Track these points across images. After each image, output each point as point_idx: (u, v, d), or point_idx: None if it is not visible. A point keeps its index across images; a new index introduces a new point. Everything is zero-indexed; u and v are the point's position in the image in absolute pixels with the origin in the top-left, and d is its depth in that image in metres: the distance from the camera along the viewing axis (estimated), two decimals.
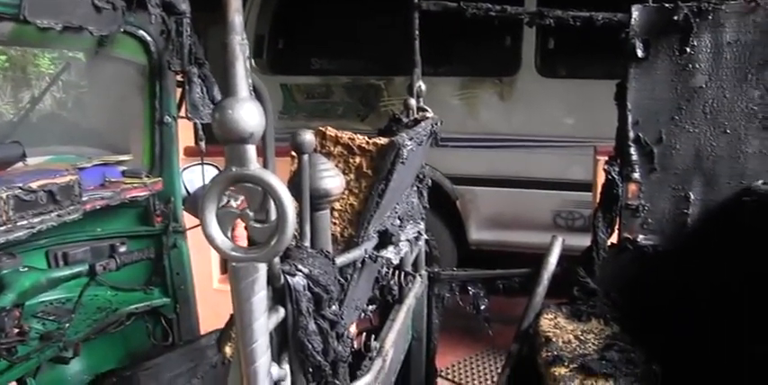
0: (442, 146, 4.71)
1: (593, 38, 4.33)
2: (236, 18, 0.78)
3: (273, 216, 0.84)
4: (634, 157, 2.24)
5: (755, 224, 2.02)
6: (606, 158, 3.60)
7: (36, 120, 3.69)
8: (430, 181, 2.29)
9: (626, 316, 2.21)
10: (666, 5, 2.06)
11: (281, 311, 1.01)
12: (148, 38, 2.31)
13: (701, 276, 2.10)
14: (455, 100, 4.49)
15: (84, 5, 1.96)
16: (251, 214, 0.84)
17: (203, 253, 3.22)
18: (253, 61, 4.78)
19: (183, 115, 2.45)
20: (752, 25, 2.05)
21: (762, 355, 1.70)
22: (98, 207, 2.27)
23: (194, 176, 2.78)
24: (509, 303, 2.66)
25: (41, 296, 2.28)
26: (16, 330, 2.02)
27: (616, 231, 2.36)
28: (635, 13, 2.09)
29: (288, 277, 1.01)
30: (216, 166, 2.75)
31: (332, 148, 1.39)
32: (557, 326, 2.19)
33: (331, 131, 1.41)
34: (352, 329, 1.56)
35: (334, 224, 1.36)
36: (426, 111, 2.31)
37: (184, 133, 2.74)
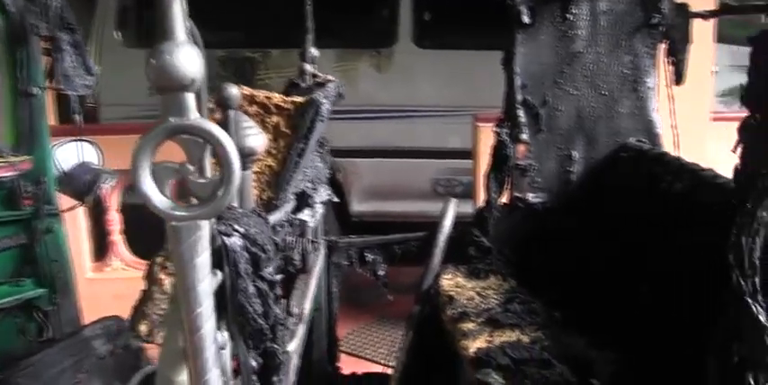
0: None
1: (468, 10, 4.51)
2: None
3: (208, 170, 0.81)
4: (522, 119, 2.33)
5: (631, 176, 2.19)
6: (486, 125, 3.76)
7: None
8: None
9: (521, 270, 2.32)
10: None
11: (219, 274, 0.97)
12: None
13: (586, 227, 2.25)
14: (333, 72, 4.45)
15: None
16: (190, 168, 0.79)
17: (74, 240, 3.01)
18: (119, 34, 4.49)
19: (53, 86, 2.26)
20: None
21: (646, 293, 1.85)
22: None
23: (68, 155, 2.58)
24: (402, 273, 2.71)
25: None
26: None
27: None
28: None
29: (224, 238, 0.97)
30: (94, 143, 2.57)
31: (247, 108, 1.34)
32: (457, 286, 2.26)
33: (246, 90, 1.36)
34: None
35: (253, 186, 1.32)
36: (319, 76, 2.28)
37: None
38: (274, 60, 4.42)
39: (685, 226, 1.71)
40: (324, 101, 1.34)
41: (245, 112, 1.34)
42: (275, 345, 1.02)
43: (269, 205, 1.33)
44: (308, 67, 2.16)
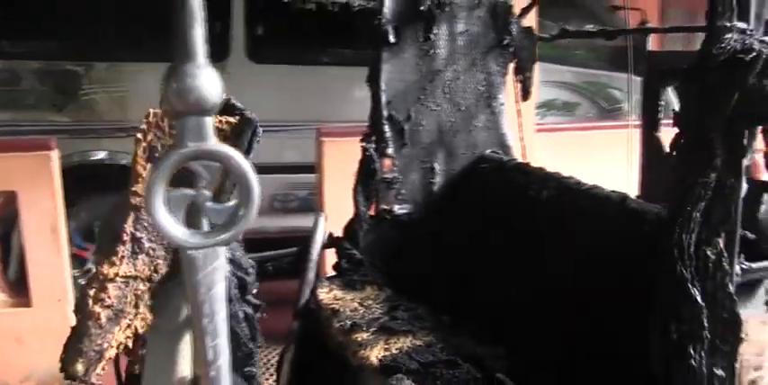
0: None
1: (302, 25, 4.56)
2: None
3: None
4: (387, 134, 2.44)
5: (494, 185, 2.38)
6: (329, 139, 3.84)
7: None
8: None
9: (395, 279, 2.41)
10: None
11: None
12: None
13: (453, 234, 2.40)
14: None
15: None
16: (207, 194, 0.77)
17: None
18: None
19: None
20: (477, 18, 2.38)
21: (518, 293, 2.03)
22: None
23: None
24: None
25: None
26: None
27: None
28: (387, 1, 2.27)
29: None
30: None
31: None
32: (336, 298, 2.29)
33: None
34: None
35: None
36: None
37: None
38: (100, 74, 4.13)
39: (557, 228, 1.91)
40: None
41: None
42: (254, 369, 1.00)
43: None
44: None
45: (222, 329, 0.79)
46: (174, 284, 0.91)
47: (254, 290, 0.97)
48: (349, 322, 2.09)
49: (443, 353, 1.81)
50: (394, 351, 1.88)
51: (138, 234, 1.20)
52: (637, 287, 1.57)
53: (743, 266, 1.02)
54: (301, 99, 4.36)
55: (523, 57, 2.46)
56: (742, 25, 0.90)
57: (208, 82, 0.70)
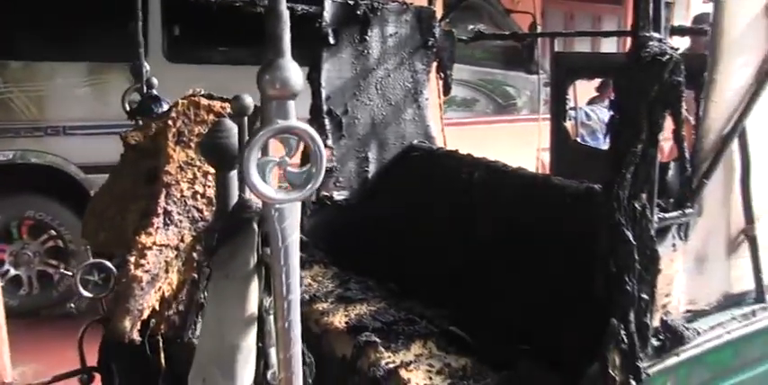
0: (70, 134, 4.47)
1: (218, 25, 4.65)
2: None
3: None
4: (327, 127, 2.67)
5: (421, 170, 2.68)
6: None
7: None
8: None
9: (337, 258, 2.65)
10: (350, 2, 2.53)
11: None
12: None
13: (387, 215, 2.67)
14: (83, 86, 4.28)
15: None
16: (287, 160, 0.98)
17: None
18: None
19: None
20: (404, 22, 2.67)
21: (455, 261, 2.33)
22: None
23: None
24: None
25: None
26: None
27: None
28: (327, 6, 2.50)
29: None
30: None
31: (206, 117, 1.45)
32: None
33: (204, 101, 1.48)
34: None
35: (208, 187, 1.45)
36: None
37: None
38: (14, 73, 4.06)
39: (489, 204, 2.22)
40: None
41: (204, 121, 1.45)
42: None
43: None
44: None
45: (296, 269, 1.01)
46: (242, 239, 1.11)
47: None
48: (307, 296, 2.31)
49: (400, 313, 2.08)
50: (354, 316, 2.12)
51: (169, 208, 1.39)
52: (559, 246, 1.91)
53: (658, 216, 1.35)
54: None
55: (445, 56, 2.77)
56: (658, 35, 1.22)
57: (294, 74, 0.91)
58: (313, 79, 2.63)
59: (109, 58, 4.28)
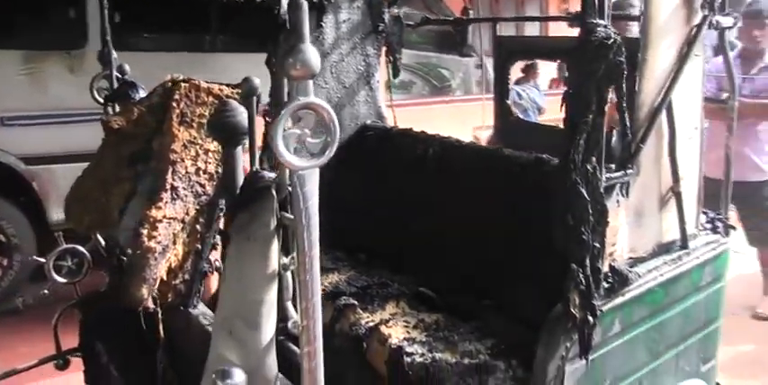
0: (8, 125, 4.42)
1: (158, 12, 4.66)
2: None
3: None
4: None
5: (378, 148, 2.85)
6: None
7: None
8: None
9: None
10: None
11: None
12: None
13: (347, 192, 2.84)
14: (19, 75, 4.22)
15: None
16: (307, 132, 1.14)
17: None
18: None
19: None
20: (356, 8, 2.82)
21: (417, 230, 2.52)
22: None
23: None
24: None
25: None
26: None
27: None
28: None
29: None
30: None
31: (206, 98, 1.57)
32: None
33: (203, 84, 1.60)
34: None
35: (209, 163, 1.58)
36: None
37: None
38: None
39: (445, 176, 2.42)
40: None
41: (204, 103, 1.57)
42: None
43: None
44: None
45: (315, 227, 1.17)
46: (261, 204, 1.26)
47: None
48: None
49: (373, 278, 2.27)
50: (328, 284, 2.30)
51: (176, 183, 1.52)
52: (513, 210, 2.13)
53: (605, 176, 1.59)
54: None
55: (393, 41, 2.94)
56: (603, 22, 1.44)
57: (313, 57, 1.07)
58: (272, 64, 2.76)
59: (46, 46, 4.23)
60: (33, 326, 3.24)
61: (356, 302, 2.09)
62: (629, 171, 1.70)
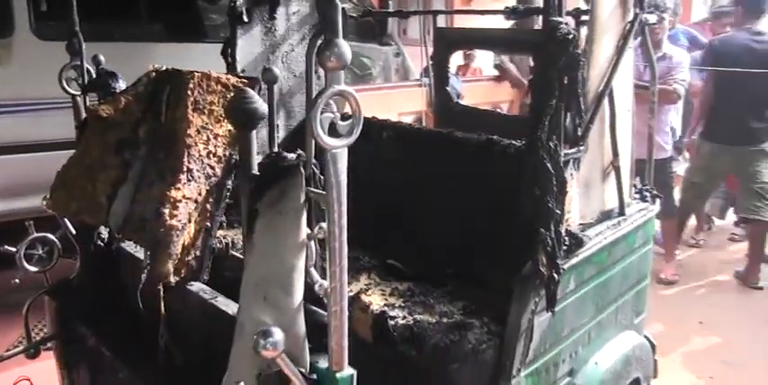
0: None
1: (86, 1, 4.54)
2: None
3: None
4: None
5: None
6: None
7: None
8: None
9: None
10: None
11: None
12: None
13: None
14: None
15: None
16: (338, 115, 1.30)
17: None
18: None
19: None
20: (305, 0, 2.96)
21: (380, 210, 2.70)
22: None
23: None
24: None
25: None
26: None
27: None
28: None
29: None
30: None
31: (216, 87, 1.68)
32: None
33: (213, 73, 1.71)
34: None
35: (218, 147, 1.70)
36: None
37: None
38: None
39: (400, 158, 2.62)
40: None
41: (214, 91, 1.67)
42: None
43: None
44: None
45: (344, 200, 1.34)
46: (290, 181, 1.40)
47: None
48: None
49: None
50: None
51: (191, 166, 1.63)
52: (467, 187, 2.36)
53: (564, 152, 1.84)
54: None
55: None
56: (562, 19, 1.68)
57: (345, 50, 1.21)
58: (228, 54, 2.85)
59: None
60: None
61: None
62: (581, 148, 1.96)
